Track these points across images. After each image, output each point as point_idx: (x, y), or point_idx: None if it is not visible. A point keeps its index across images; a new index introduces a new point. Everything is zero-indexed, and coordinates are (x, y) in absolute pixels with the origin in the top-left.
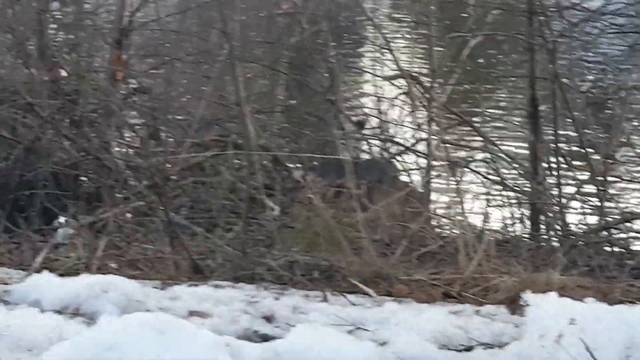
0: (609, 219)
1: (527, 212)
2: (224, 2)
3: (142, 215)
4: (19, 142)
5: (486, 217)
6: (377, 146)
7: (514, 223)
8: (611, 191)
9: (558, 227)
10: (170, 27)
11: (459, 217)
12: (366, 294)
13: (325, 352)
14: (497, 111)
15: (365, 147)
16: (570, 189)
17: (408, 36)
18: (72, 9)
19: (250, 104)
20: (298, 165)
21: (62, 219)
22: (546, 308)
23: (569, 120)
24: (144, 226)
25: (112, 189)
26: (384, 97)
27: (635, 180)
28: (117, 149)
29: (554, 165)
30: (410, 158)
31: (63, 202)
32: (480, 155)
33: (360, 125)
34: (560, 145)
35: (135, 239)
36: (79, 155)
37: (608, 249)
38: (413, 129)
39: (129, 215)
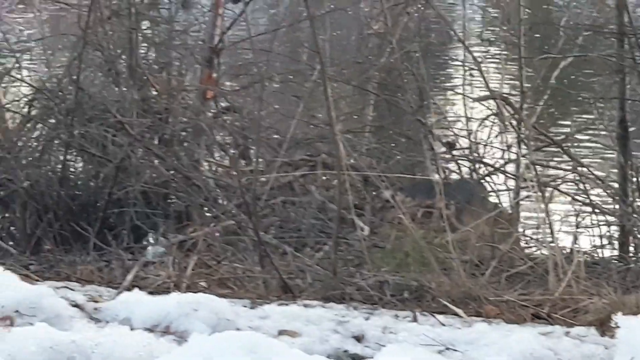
0: None
1: (616, 234)
2: (315, 22)
3: (231, 234)
4: (109, 160)
5: (575, 238)
6: (467, 167)
7: (603, 244)
8: None
9: None
10: (261, 47)
11: (548, 238)
12: (456, 314)
13: None
14: (586, 132)
15: (454, 167)
16: None
17: (498, 57)
18: (163, 28)
19: (340, 123)
20: (387, 185)
21: (151, 238)
22: (637, 330)
23: None
24: (234, 245)
25: (201, 208)
26: (474, 118)
27: None
28: (206, 167)
29: None
30: (499, 179)
31: (152, 220)
32: (569, 177)
33: (450, 145)
34: None
35: (225, 258)
36: (169, 173)
37: None
38: (502, 149)
39: (218, 234)
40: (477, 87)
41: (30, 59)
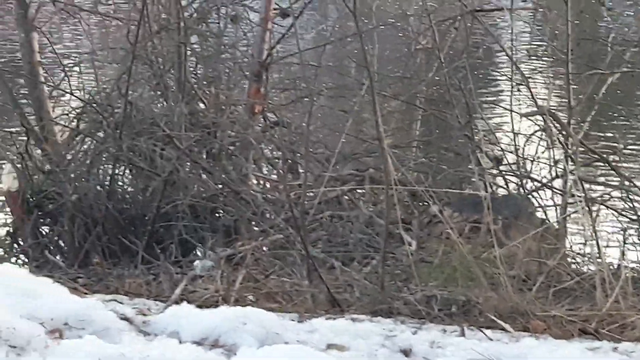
0: None
1: None
2: (363, 37)
3: (279, 248)
4: (157, 174)
5: (623, 254)
6: (514, 182)
7: None
8: None
9: None
10: (309, 61)
11: (596, 254)
12: (503, 329)
13: None
14: (633, 148)
15: (501, 182)
16: None
17: (545, 72)
18: (212, 42)
19: (388, 138)
20: (435, 200)
21: (199, 251)
22: None
23: None
24: (281, 259)
25: (249, 222)
26: (521, 133)
27: None
28: (254, 182)
29: None
30: (546, 194)
31: (200, 234)
32: (616, 192)
33: (498, 161)
34: None
35: (273, 272)
36: (217, 187)
37: None
38: (549, 165)
39: (266, 248)
40: (524, 102)
41: (79, 72)
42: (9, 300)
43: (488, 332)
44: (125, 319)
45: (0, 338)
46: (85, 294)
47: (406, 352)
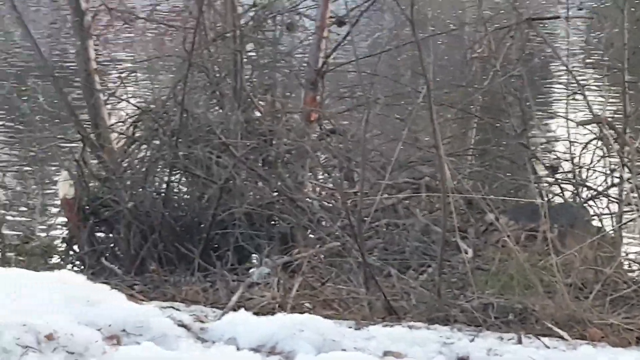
0: None
1: None
2: (419, 45)
3: (335, 256)
4: (213, 181)
5: None
6: (570, 190)
7: None
8: None
9: None
10: (364, 69)
11: None
12: (560, 337)
13: None
14: None
15: (557, 191)
16: None
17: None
18: (268, 50)
19: (443, 146)
20: (491, 208)
21: (255, 259)
22: None
23: None
24: (338, 267)
25: (305, 230)
26: (577, 142)
27: None
28: (310, 189)
29: None
30: (602, 203)
31: (256, 241)
32: None
33: (553, 169)
34: None
35: (329, 279)
36: (273, 195)
37: None
38: (605, 173)
39: (322, 255)
40: (580, 110)
41: (135, 80)
42: (67, 306)
43: (545, 340)
44: (182, 325)
45: (58, 344)
46: (142, 301)
47: (464, 359)
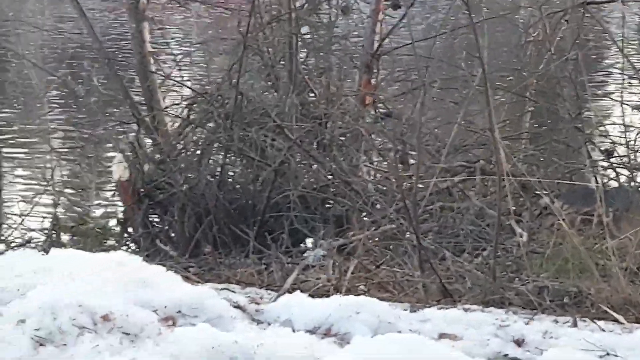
0: None
1: None
2: (475, 29)
3: (390, 239)
4: (268, 164)
5: None
6: (624, 174)
7: None
8: None
9: None
10: (419, 52)
11: None
12: (616, 320)
13: None
14: None
15: (612, 175)
16: None
17: None
18: (323, 34)
19: (498, 130)
20: (546, 191)
21: (310, 241)
22: None
23: None
24: (392, 249)
25: (360, 213)
26: (632, 126)
27: None
28: (365, 172)
29: None
30: None
31: (310, 224)
32: None
33: (608, 153)
34: None
35: (384, 262)
36: (328, 178)
37: None
38: None
39: (377, 238)
40: (635, 94)
41: (190, 63)
42: (123, 288)
43: (601, 323)
44: (238, 307)
45: (114, 325)
46: (198, 282)
47: (519, 342)
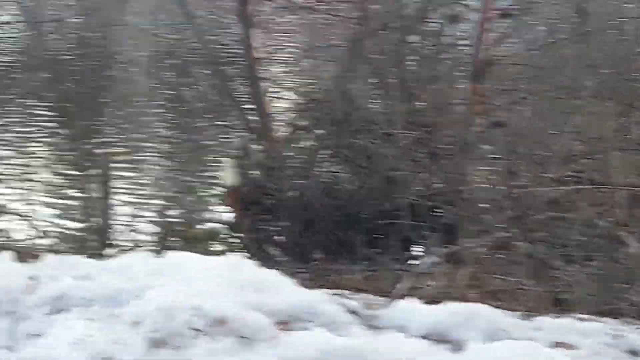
0: None
1: None
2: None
3: (500, 248)
4: (378, 171)
5: None
6: None
7: None
8: None
9: None
10: (528, 62)
11: None
12: None
13: None
14: None
15: None
16: None
17: None
18: (431, 41)
19: (610, 140)
20: None
21: (419, 249)
22: None
23: None
24: (503, 258)
25: (469, 221)
26: None
27: None
28: (474, 181)
29: None
30: None
31: (418, 232)
32: None
33: None
34: None
35: (495, 271)
36: (437, 186)
37: None
38: None
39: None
40: None
41: (298, 69)
42: (237, 291)
43: None
44: (352, 312)
45: (229, 328)
46: (310, 287)
47: (636, 353)
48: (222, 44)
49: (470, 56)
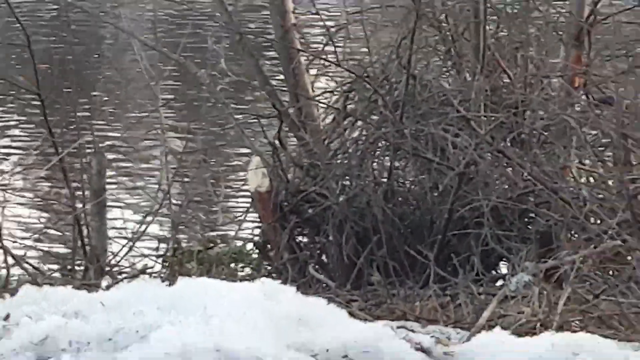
0: None
1: None
2: None
3: (612, 261)
4: (450, 167)
5: None
6: None
7: None
8: None
9: None
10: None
11: None
12: None
13: None
14: None
15: None
16: None
17: None
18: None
19: None
20: None
21: (506, 266)
22: None
23: None
24: (616, 273)
25: (571, 228)
26: None
27: None
28: (576, 176)
29: None
30: None
31: (506, 244)
32: None
33: None
34: None
35: (605, 290)
36: (527, 184)
37: None
38: None
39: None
40: None
41: (346, 37)
42: (273, 326)
43: None
44: (421, 349)
45: None
46: (367, 319)
47: None
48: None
49: (569, 14)
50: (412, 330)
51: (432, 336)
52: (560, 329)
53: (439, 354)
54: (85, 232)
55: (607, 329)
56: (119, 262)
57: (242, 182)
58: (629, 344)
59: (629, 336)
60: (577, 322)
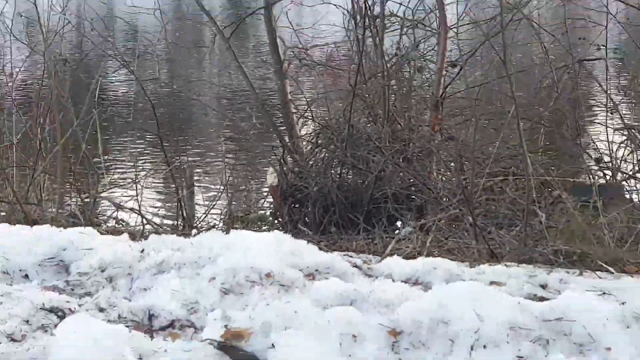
0: None
1: None
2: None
3: (454, 220)
4: (371, 172)
5: None
6: (609, 175)
7: None
8: None
9: None
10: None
11: None
12: (608, 271)
13: (585, 305)
14: None
15: (601, 175)
16: None
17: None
18: (406, 85)
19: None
20: (558, 187)
21: (400, 223)
22: None
23: None
24: (456, 227)
25: (433, 203)
26: (614, 142)
27: None
28: (436, 176)
29: None
30: (632, 182)
31: (400, 212)
32: None
33: (598, 160)
34: None
35: (450, 235)
36: (411, 181)
37: None
38: (633, 163)
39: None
40: (615, 120)
41: (317, 106)
42: (280, 255)
43: (598, 273)
44: (355, 266)
45: (274, 280)
46: (328, 251)
47: (543, 286)
48: (266, 90)
49: (431, 94)
50: (351, 257)
51: (361, 259)
52: (427, 256)
53: (365, 268)
54: (183, 206)
55: (452, 255)
56: (200, 221)
57: (264, 180)
58: (462, 264)
59: (464, 260)
60: (435, 252)
